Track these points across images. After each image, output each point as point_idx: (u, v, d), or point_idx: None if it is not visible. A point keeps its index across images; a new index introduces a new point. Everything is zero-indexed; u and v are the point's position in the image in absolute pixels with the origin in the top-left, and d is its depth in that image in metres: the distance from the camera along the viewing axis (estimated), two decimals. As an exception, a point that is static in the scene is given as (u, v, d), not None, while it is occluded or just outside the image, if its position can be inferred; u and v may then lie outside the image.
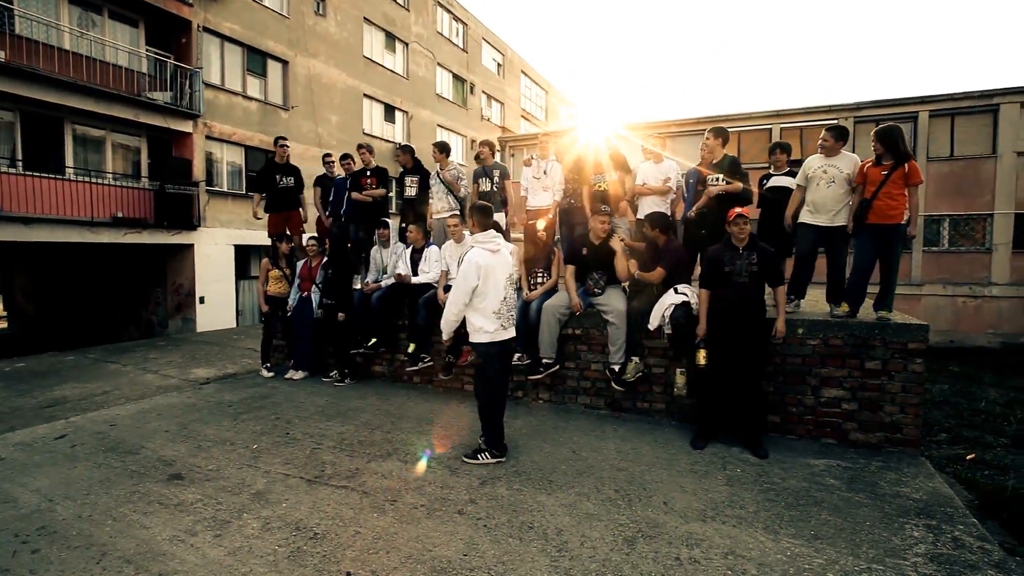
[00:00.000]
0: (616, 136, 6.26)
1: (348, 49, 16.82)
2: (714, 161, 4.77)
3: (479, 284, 3.52)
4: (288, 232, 6.79)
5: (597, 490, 3.30)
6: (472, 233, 3.79)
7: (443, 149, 6.12)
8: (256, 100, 13.90)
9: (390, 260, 5.94)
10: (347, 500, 3.18)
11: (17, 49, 9.36)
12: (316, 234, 6.99)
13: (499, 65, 26.53)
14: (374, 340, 5.70)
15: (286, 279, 6.38)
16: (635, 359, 4.50)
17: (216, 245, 12.79)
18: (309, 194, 7.71)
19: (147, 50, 11.55)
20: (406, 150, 6.49)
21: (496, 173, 5.90)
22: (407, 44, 19.67)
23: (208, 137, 12.60)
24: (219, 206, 12.92)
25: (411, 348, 5.56)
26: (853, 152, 4.47)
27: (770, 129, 15.67)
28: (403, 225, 6.21)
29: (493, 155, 6.06)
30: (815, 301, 5.11)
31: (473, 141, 22.91)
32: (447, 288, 5.27)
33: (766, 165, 5.36)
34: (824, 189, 4.29)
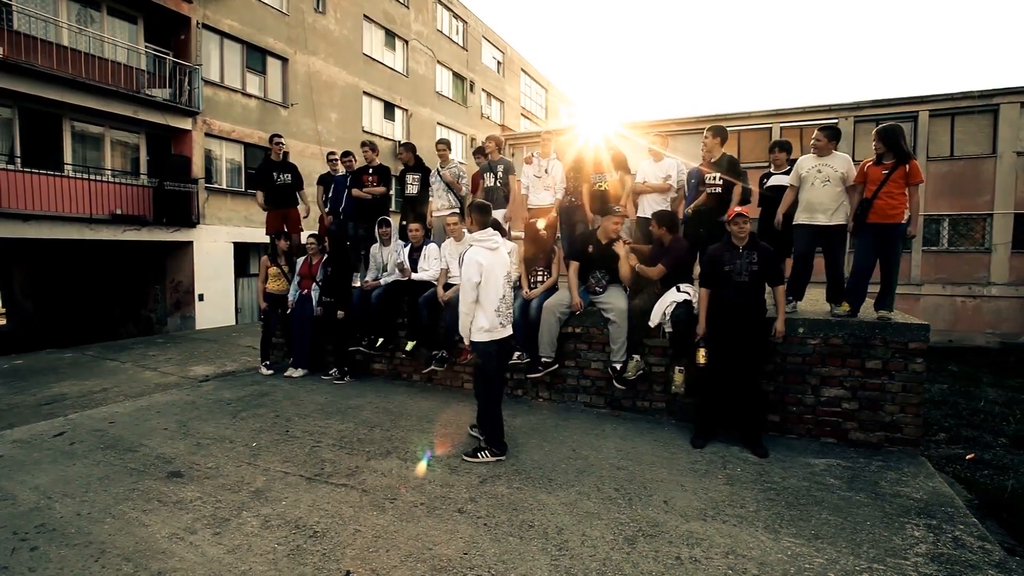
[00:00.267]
0: (617, 135, 6.25)
1: (348, 46, 16.78)
2: (712, 160, 4.78)
3: (481, 281, 3.54)
4: (286, 229, 6.77)
5: (597, 489, 3.30)
6: (471, 231, 3.79)
7: (449, 146, 6.18)
8: (255, 97, 13.86)
9: (390, 258, 5.93)
10: (347, 498, 3.17)
11: (15, 45, 9.32)
12: (319, 232, 6.97)
13: (499, 63, 26.49)
14: (382, 340, 5.70)
15: (285, 276, 6.37)
16: (636, 357, 4.50)
17: (215, 242, 12.76)
18: (312, 192, 7.67)
19: (146, 47, 11.51)
20: (408, 148, 6.49)
21: (500, 168, 5.89)
22: (407, 42, 19.62)
23: (207, 134, 12.57)
24: (218, 203, 12.89)
25: (409, 346, 5.56)
26: (854, 152, 4.47)
27: (770, 128, 15.65)
28: (403, 223, 6.20)
29: (499, 150, 6.03)
30: (815, 300, 5.11)
31: (473, 139, 22.88)
32: (447, 286, 5.27)
33: (766, 164, 5.36)
34: (819, 188, 4.28)
